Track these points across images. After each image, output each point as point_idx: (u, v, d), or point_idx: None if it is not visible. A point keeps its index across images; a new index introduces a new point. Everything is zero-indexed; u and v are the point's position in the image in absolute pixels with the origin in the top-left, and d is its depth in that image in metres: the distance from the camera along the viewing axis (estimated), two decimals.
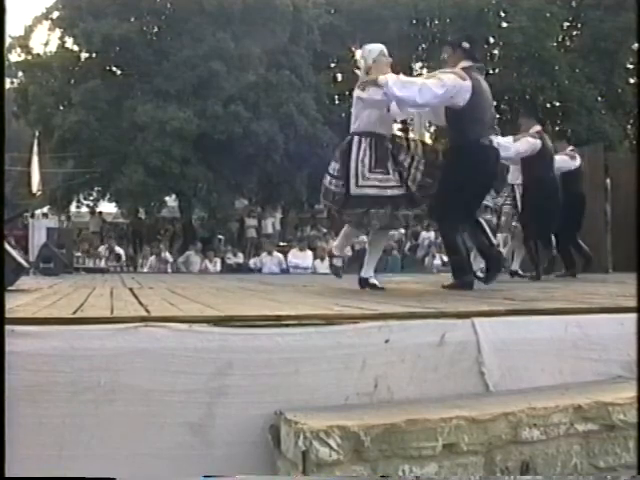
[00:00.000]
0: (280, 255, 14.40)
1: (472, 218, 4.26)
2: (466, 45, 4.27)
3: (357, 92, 4.12)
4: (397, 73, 4.06)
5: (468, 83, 3.99)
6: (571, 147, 7.25)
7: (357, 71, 4.36)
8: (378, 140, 4.04)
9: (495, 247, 4.46)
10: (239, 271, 13.93)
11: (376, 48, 4.24)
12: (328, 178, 4.11)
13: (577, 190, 6.89)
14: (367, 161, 3.99)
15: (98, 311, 2.37)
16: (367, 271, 4.27)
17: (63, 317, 1.98)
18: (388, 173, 3.99)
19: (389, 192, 3.97)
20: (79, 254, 14.23)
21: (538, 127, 6.46)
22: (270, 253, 14.39)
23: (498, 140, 6.12)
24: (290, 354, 1.85)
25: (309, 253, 14.46)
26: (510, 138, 6.34)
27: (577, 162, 6.92)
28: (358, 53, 4.41)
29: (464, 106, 3.99)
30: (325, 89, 19.97)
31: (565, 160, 6.77)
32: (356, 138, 4.05)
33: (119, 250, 15.22)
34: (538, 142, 6.23)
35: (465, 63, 4.14)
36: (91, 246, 15.24)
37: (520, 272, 6.68)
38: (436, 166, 4.07)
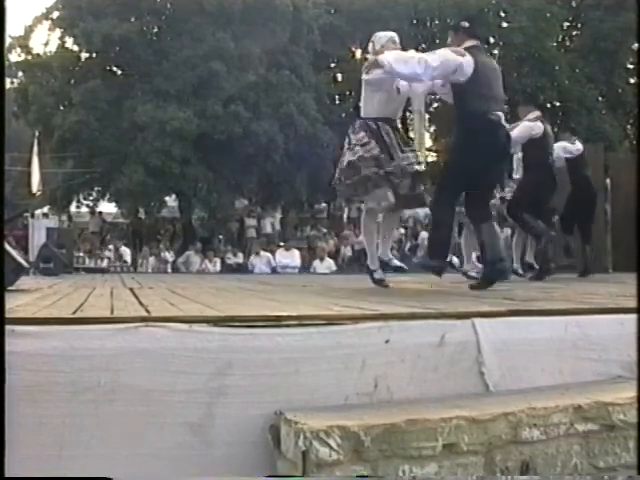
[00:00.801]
0: (268, 254, 14.41)
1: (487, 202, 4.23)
2: (465, 24, 4.26)
3: (363, 76, 4.19)
4: None
5: (468, 59, 3.95)
6: (572, 137, 7.16)
7: (367, 56, 4.45)
8: (392, 123, 4.18)
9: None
10: (239, 271, 13.94)
11: (386, 35, 4.33)
12: (355, 157, 4.12)
13: (583, 176, 6.78)
14: (395, 143, 4.10)
15: (98, 311, 2.37)
16: (386, 253, 4.40)
17: (63, 317, 1.98)
18: (407, 152, 4.13)
19: (415, 168, 4.10)
20: (81, 254, 14.24)
21: (537, 112, 6.35)
22: (258, 254, 14.40)
23: None
24: (290, 354, 1.85)
25: (296, 252, 14.50)
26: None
27: (579, 146, 6.80)
28: (372, 37, 4.42)
29: (466, 81, 3.95)
30: (325, 89, 19.96)
31: (566, 146, 6.69)
32: (372, 122, 4.13)
33: (125, 250, 15.24)
34: (538, 124, 6.14)
35: (468, 42, 4.11)
36: (93, 246, 15.26)
37: (519, 271, 6.55)
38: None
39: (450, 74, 3.97)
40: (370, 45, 4.38)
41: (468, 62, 3.95)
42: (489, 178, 4.24)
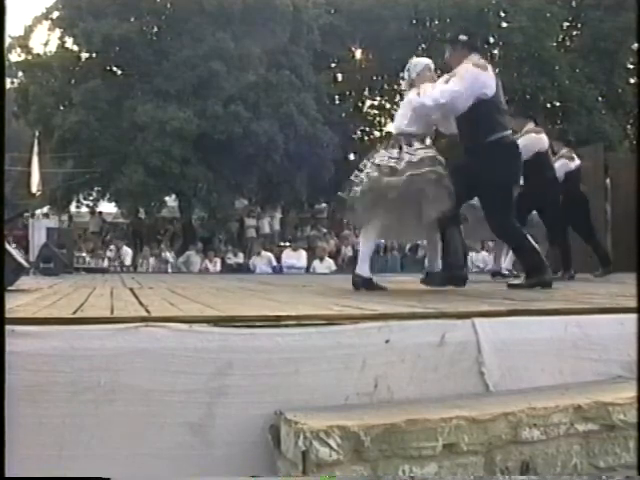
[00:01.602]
0: (269, 254, 14.42)
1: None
2: (464, 38, 4.25)
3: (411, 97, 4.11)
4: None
5: (490, 73, 3.99)
6: (567, 149, 7.15)
7: (402, 82, 4.40)
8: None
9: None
10: (239, 271, 13.94)
11: (421, 62, 4.29)
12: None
13: (578, 191, 6.77)
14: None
15: (98, 311, 2.37)
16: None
17: (63, 317, 1.98)
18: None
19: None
20: (81, 254, 14.24)
21: (531, 124, 6.30)
22: (259, 254, 14.41)
23: None
24: (290, 354, 1.85)
25: (303, 253, 14.50)
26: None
27: (577, 162, 6.80)
28: (408, 66, 4.36)
29: (492, 97, 3.97)
30: (325, 89, 19.98)
31: (564, 163, 6.65)
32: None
33: (126, 250, 15.24)
34: (544, 137, 6.12)
35: (473, 57, 4.10)
36: (93, 246, 15.27)
37: (505, 272, 6.44)
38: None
39: (477, 92, 3.96)
40: (406, 73, 4.30)
41: (492, 76, 3.99)
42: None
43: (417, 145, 3.92)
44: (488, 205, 4.10)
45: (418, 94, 3.99)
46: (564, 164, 6.62)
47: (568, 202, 6.33)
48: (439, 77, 4.19)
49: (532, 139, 6.02)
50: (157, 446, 1.75)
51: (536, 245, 4.21)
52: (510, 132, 4.11)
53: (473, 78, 3.94)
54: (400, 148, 3.93)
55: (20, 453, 1.65)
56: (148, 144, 15.56)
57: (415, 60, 4.35)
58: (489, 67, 4.07)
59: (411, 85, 4.18)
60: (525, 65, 20.15)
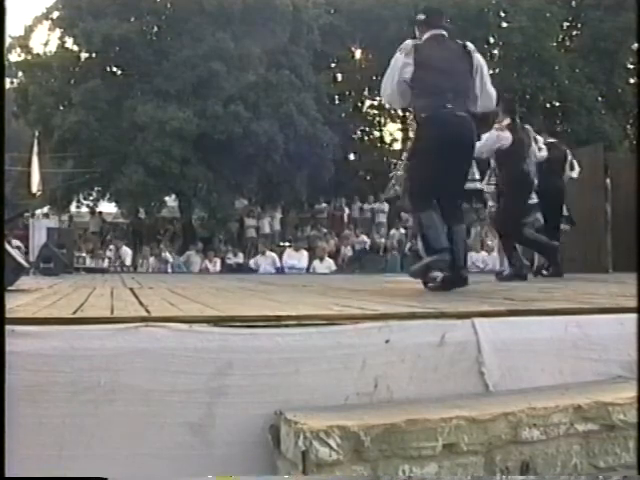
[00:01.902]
0: (273, 254, 14.45)
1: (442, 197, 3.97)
2: (421, 17, 4.21)
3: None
4: None
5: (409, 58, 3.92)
6: (551, 139, 7.10)
7: None
8: None
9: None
10: (239, 271, 13.94)
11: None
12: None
13: (552, 185, 6.73)
14: None
15: (98, 311, 2.37)
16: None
17: (63, 317, 1.98)
18: None
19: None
20: (81, 254, 14.25)
21: (508, 120, 6.19)
22: (263, 254, 14.43)
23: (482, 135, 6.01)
24: (290, 354, 1.85)
25: (304, 253, 14.51)
26: (492, 131, 6.22)
27: (544, 153, 6.66)
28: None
29: (411, 78, 3.90)
30: (325, 89, 19.98)
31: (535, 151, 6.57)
32: None
33: (126, 250, 15.24)
34: (504, 134, 6.04)
35: (428, 34, 4.07)
36: (93, 246, 15.27)
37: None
38: None
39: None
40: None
41: (409, 61, 3.91)
42: (455, 175, 4.07)
43: None
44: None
45: None
46: (540, 154, 6.59)
47: (542, 191, 6.32)
48: None
49: (493, 135, 6.03)
50: (157, 446, 1.75)
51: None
52: (434, 110, 3.89)
53: (394, 60, 3.96)
54: None
55: (20, 453, 1.65)
56: (148, 144, 15.55)
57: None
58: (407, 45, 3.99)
59: None
60: (525, 65, 20.15)
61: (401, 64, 3.92)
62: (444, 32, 4.15)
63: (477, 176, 6.07)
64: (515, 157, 6.09)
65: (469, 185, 5.01)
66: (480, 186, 6.38)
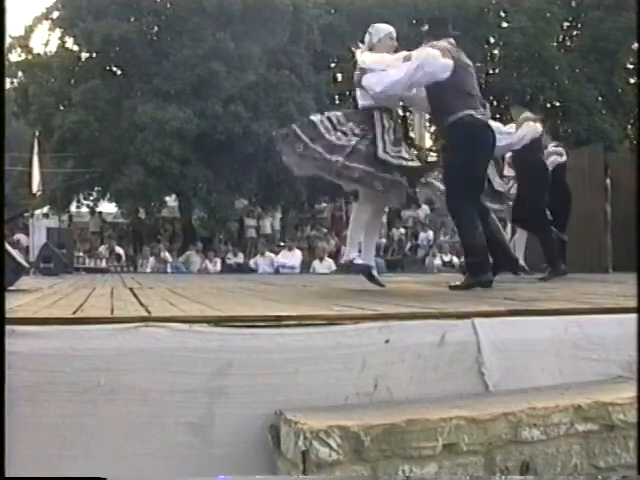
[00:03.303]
0: (272, 255, 14.48)
1: (478, 202, 4.09)
2: (426, 27, 4.25)
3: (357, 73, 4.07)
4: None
5: (447, 56, 3.93)
6: (555, 142, 7.17)
7: (360, 45, 4.24)
8: (393, 115, 4.03)
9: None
10: (239, 271, 13.94)
11: (384, 29, 4.18)
12: (355, 140, 3.84)
13: (565, 186, 6.77)
14: (391, 134, 3.92)
15: (98, 311, 2.37)
16: (368, 258, 4.14)
17: (63, 317, 1.98)
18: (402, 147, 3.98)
19: (408, 164, 3.92)
20: (80, 254, 14.24)
21: (528, 113, 6.31)
22: (263, 254, 14.48)
23: (499, 128, 6.08)
24: (290, 354, 1.85)
25: (297, 252, 14.55)
26: (509, 127, 6.27)
27: (564, 158, 6.78)
28: (370, 28, 4.29)
29: (448, 79, 3.91)
30: (325, 89, 19.96)
31: (554, 159, 6.65)
32: (376, 111, 3.94)
33: (119, 250, 15.24)
34: (539, 125, 6.14)
35: (439, 42, 4.06)
36: (92, 246, 15.26)
37: (526, 268, 6.47)
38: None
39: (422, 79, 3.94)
40: (367, 36, 4.19)
41: (449, 64, 3.92)
42: (482, 180, 4.23)
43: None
44: (445, 186, 4.06)
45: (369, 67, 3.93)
46: (554, 160, 6.62)
47: (553, 196, 6.30)
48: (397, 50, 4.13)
49: (530, 127, 6.05)
50: (157, 446, 1.75)
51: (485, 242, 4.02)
52: (472, 112, 3.97)
53: (424, 59, 3.88)
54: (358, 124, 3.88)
55: (20, 453, 1.66)
56: (148, 144, 15.55)
57: (378, 25, 4.24)
58: (449, 49, 3.99)
59: (370, 49, 4.09)
60: (525, 65, 20.13)
61: (442, 64, 3.89)
62: (453, 41, 4.17)
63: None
64: (538, 149, 6.15)
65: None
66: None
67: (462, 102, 3.96)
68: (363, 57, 3.95)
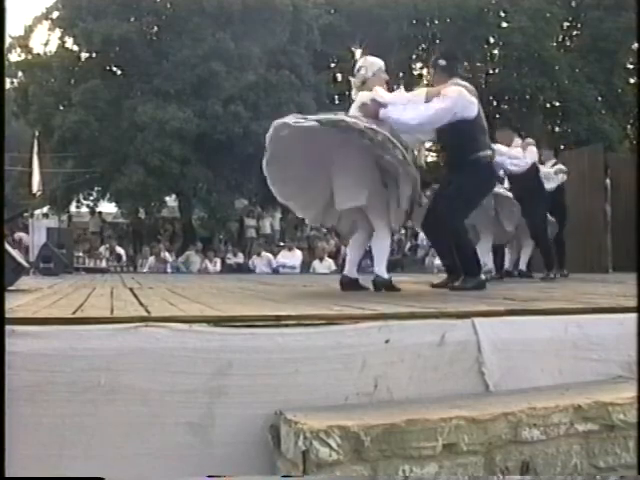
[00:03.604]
0: (269, 255, 14.48)
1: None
2: (443, 63, 4.33)
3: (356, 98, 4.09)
4: (389, 87, 4.20)
5: (474, 95, 4.13)
6: (553, 161, 7.36)
7: (352, 79, 4.25)
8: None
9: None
10: (239, 271, 13.94)
11: (378, 63, 4.22)
12: None
13: (563, 204, 7.11)
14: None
15: (98, 311, 2.37)
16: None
17: (63, 317, 1.98)
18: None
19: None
20: (81, 254, 14.24)
21: (518, 139, 6.57)
22: (259, 254, 14.49)
23: (500, 150, 6.21)
24: (290, 354, 1.85)
25: (298, 252, 14.55)
26: (515, 150, 6.38)
27: (564, 177, 7.12)
28: (359, 60, 4.36)
29: (474, 118, 4.10)
30: (325, 89, 19.96)
31: (562, 177, 7.04)
32: None
33: (120, 250, 15.25)
34: (535, 149, 6.44)
35: (450, 82, 4.16)
36: (92, 246, 15.26)
37: (516, 273, 6.76)
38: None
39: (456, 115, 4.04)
40: (361, 70, 4.17)
41: (474, 101, 4.11)
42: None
43: None
44: (447, 207, 4.16)
45: (373, 99, 3.93)
46: (562, 178, 7.02)
47: (553, 211, 6.61)
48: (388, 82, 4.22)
49: (534, 153, 6.39)
50: (157, 446, 1.75)
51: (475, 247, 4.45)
52: (490, 152, 4.28)
53: (458, 98, 4.02)
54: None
55: (20, 453, 1.66)
56: (148, 144, 15.54)
57: (371, 59, 4.26)
58: (472, 89, 4.22)
59: (363, 83, 4.10)
60: (525, 65, 20.13)
61: (471, 102, 4.08)
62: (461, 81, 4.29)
63: None
64: (536, 171, 6.43)
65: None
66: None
67: (483, 141, 4.24)
68: (379, 92, 3.97)
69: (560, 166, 7.15)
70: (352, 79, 4.25)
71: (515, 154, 6.27)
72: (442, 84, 4.14)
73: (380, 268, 4.02)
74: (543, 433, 1.74)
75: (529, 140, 6.51)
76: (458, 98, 4.01)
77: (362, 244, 4.33)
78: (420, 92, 4.17)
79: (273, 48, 16.92)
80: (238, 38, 16.30)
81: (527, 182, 6.29)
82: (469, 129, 4.09)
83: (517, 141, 6.44)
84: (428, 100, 3.98)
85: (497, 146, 6.16)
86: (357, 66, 4.26)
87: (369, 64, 4.18)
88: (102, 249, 15.01)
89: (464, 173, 4.14)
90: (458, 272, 4.19)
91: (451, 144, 4.30)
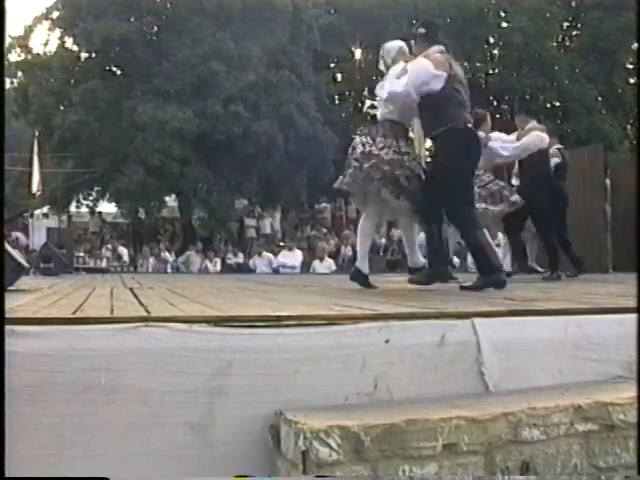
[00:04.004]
0: (270, 255, 14.49)
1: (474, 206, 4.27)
2: (422, 31, 4.24)
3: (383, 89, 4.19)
4: None
5: (438, 72, 3.98)
6: (558, 145, 7.15)
7: (382, 67, 4.41)
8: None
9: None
10: (239, 271, 13.95)
11: (394, 47, 4.32)
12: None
13: (561, 188, 6.79)
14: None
15: (98, 311, 2.37)
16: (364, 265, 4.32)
17: (63, 317, 1.98)
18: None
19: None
20: (81, 254, 14.24)
21: (534, 122, 6.40)
22: (260, 254, 14.50)
23: (501, 137, 6.14)
24: (290, 354, 1.85)
25: (298, 252, 14.56)
26: (513, 136, 6.31)
27: (559, 159, 6.79)
28: (381, 50, 4.46)
29: (439, 91, 3.97)
30: (325, 89, 19.97)
31: (554, 160, 6.70)
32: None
33: (122, 250, 15.25)
34: (545, 136, 6.20)
35: (430, 50, 4.10)
36: (92, 246, 15.26)
37: (538, 268, 6.63)
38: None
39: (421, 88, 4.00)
40: (380, 60, 4.38)
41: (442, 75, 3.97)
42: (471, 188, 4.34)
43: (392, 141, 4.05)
44: (443, 194, 4.07)
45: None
46: (554, 161, 6.68)
47: (550, 198, 6.35)
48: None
49: (534, 136, 6.12)
50: (157, 446, 1.75)
51: (491, 241, 4.28)
52: (462, 124, 4.01)
53: (418, 73, 3.96)
54: (384, 136, 4.04)
55: (20, 453, 1.66)
56: (148, 144, 15.54)
57: (388, 45, 4.38)
58: (443, 60, 4.04)
59: (388, 69, 4.25)
60: (525, 65, 20.13)
61: (429, 75, 3.96)
62: (443, 48, 4.19)
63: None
64: (545, 158, 6.24)
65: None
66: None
67: (456, 114, 4.00)
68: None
69: (555, 149, 6.80)
70: (382, 68, 4.41)
71: (510, 138, 6.20)
72: (420, 54, 4.11)
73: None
74: (543, 433, 1.74)
75: (534, 125, 6.28)
76: (418, 73, 3.95)
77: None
78: (399, 67, 4.16)
79: (273, 48, 16.92)
80: (238, 38, 16.30)
81: (531, 172, 6.15)
82: (435, 103, 3.97)
83: (530, 125, 6.25)
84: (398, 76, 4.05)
85: (494, 133, 6.13)
86: (380, 57, 4.45)
87: (386, 51, 4.36)
88: (104, 250, 15.03)
89: (439, 150, 4.08)
90: (435, 268, 4.14)
91: (422, 121, 4.23)
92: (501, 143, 6.02)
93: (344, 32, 20.32)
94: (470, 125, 4.07)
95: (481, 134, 4.72)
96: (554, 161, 6.64)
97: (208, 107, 15.88)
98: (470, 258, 6.49)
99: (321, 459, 1.55)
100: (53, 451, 1.71)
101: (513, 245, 6.80)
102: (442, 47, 4.15)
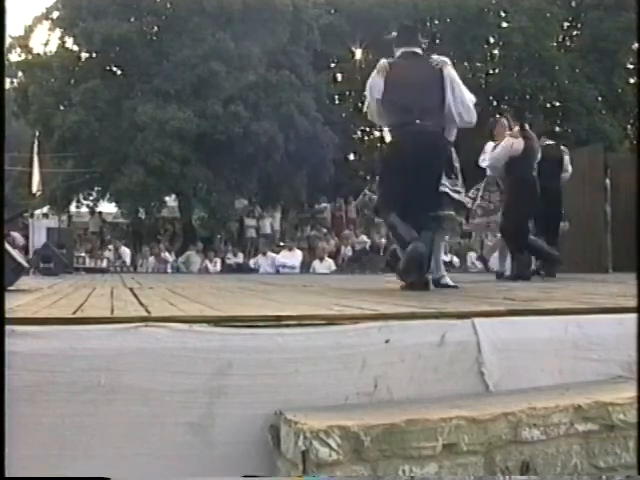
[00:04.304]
0: (274, 255, 14.51)
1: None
2: (393, 34, 4.34)
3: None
4: None
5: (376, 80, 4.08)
6: (548, 141, 7.03)
7: None
8: None
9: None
10: (239, 271, 13.95)
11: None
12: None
13: (552, 185, 6.72)
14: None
15: (98, 311, 2.37)
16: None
17: (63, 317, 1.98)
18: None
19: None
20: (81, 254, 14.24)
21: (517, 127, 6.28)
22: (265, 254, 14.52)
23: (488, 148, 6.18)
24: (290, 354, 1.85)
25: (298, 252, 14.58)
26: (489, 146, 6.30)
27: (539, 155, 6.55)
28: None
29: (382, 97, 4.06)
30: (325, 89, 19.98)
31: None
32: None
33: (124, 250, 15.26)
34: (518, 141, 6.09)
35: (399, 52, 4.20)
36: (92, 246, 15.27)
37: (507, 273, 6.53)
38: None
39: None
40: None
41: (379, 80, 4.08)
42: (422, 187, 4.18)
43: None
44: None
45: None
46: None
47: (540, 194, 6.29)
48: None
49: (506, 143, 6.12)
50: (157, 446, 1.75)
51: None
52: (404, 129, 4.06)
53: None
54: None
55: (20, 453, 1.65)
56: (148, 144, 15.54)
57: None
58: (382, 66, 4.15)
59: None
60: (525, 65, 20.15)
61: (374, 84, 4.08)
62: (416, 49, 4.20)
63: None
64: (525, 164, 6.14)
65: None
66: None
67: (393, 119, 4.12)
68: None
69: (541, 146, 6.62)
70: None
71: (488, 149, 6.19)
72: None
73: None
74: (543, 433, 1.74)
75: (513, 132, 6.17)
76: (370, 79, 4.10)
77: None
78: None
79: (273, 48, 16.93)
80: (238, 38, 16.31)
81: (512, 173, 6.11)
82: (378, 109, 4.10)
83: (515, 129, 6.18)
84: None
85: (487, 144, 6.14)
86: None
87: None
88: (106, 250, 15.03)
89: (385, 157, 4.22)
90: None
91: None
92: (483, 155, 6.07)
93: (344, 32, 20.34)
94: (417, 124, 4.02)
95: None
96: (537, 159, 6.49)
97: (208, 107, 15.89)
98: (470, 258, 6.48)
99: (321, 459, 1.55)
100: (53, 451, 1.71)
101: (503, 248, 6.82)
102: (413, 48, 4.20)
